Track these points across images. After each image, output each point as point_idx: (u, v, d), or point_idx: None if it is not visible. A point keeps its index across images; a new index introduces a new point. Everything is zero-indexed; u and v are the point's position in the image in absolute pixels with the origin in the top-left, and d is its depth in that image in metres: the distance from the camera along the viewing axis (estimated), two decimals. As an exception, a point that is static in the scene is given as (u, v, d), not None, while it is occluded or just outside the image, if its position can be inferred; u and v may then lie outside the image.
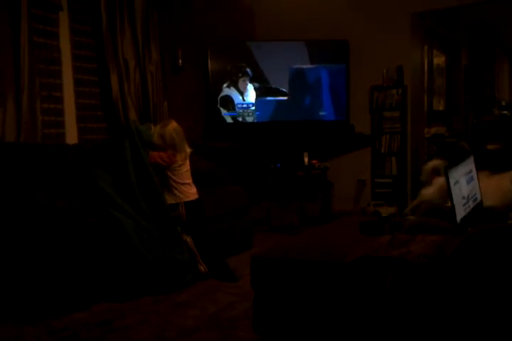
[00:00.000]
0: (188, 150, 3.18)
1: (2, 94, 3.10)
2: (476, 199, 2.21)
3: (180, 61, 4.48)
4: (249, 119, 4.70)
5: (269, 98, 4.72)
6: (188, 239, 3.02)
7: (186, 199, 3.06)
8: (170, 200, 3.02)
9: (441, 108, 6.75)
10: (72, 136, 3.70)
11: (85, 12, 3.78)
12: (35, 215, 2.47)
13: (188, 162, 3.15)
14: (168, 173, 3.04)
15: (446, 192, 2.17)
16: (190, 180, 3.14)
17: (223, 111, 4.66)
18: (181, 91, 4.55)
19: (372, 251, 1.77)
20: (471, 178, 2.18)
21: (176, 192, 3.04)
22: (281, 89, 4.72)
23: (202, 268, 2.98)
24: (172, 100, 4.35)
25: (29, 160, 3.02)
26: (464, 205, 1.98)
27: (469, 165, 2.21)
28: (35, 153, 3.12)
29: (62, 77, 3.62)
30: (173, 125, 3.12)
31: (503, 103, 7.24)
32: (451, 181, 1.85)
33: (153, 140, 3.06)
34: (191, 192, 3.10)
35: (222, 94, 4.64)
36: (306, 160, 4.70)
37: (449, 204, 1.89)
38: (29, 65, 3.23)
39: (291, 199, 4.69)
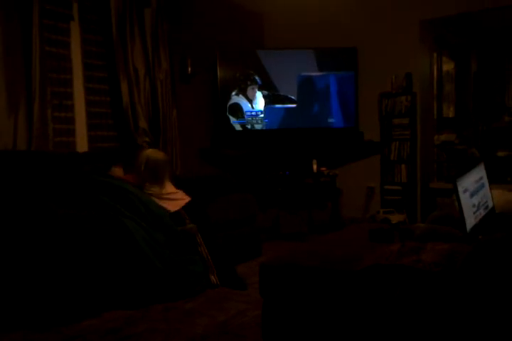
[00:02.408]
0: (168, 184, 3.24)
1: (14, 103, 3.14)
2: (487, 206, 2.19)
3: (189, 69, 4.51)
4: (258, 127, 4.71)
5: (277, 105, 4.74)
6: (204, 251, 3.02)
7: (175, 209, 3.09)
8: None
9: (450, 115, 6.71)
10: (82, 144, 3.73)
11: (96, 22, 3.83)
12: (46, 223, 2.49)
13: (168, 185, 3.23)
14: (148, 192, 3.11)
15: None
16: (173, 190, 3.21)
17: (232, 119, 4.68)
18: (190, 99, 4.58)
19: (382, 259, 1.76)
20: (482, 185, 2.17)
21: (164, 204, 3.08)
22: (289, 96, 4.74)
23: (213, 278, 2.97)
24: (181, 108, 4.38)
25: (40, 168, 3.05)
26: (474, 213, 1.96)
27: (480, 172, 2.19)
28: (47, 161, 3.15)
29: (73, 85, 3.67)
30: (159, 155, 3.27)
31: (514, 109, 7.18)
32: (460, 189, 1.84)
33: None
34: (179, 198, 3.15)
35: (231, 101, 4.67)
36: (314, 167, 4.69)
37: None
38: (40, 73, 3.27)
39: (300, 207, 4.68)
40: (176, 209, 3.09)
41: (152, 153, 3.28)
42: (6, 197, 2.63)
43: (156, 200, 3.07)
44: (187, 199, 3.19)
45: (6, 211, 2.49)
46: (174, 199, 3.16)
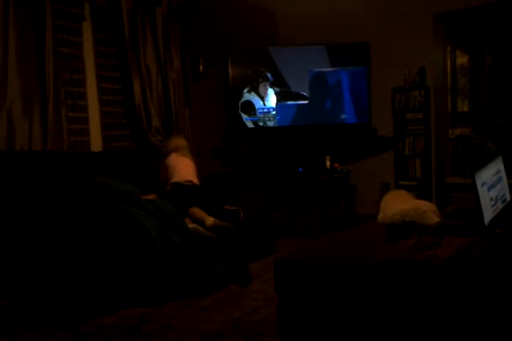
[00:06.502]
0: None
1: (29, 104, 3.18)
2: (505, 200, 2.16)
3: (201, 67, 4.52)
4: (270, 124, 4.70)
5: (289, 102, 4.72)
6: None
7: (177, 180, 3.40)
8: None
9: (465, 109, 6.63)
10: (96, 144, 3.76)
11: (108, 22, 3.85)
12: (61, 222, 2.51)
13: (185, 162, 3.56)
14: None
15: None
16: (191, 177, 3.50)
17: (244, 116, 4.67)
18: (203, 98, 4.58)
19: (398, 255, 1.74)
20: (500, 179, 2.13)
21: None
22: (301, 93, 4.72)
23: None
24: (193, 106, 4.39)
25: (55, 168, 3.08)
26: (492, 207, 1.94)
27: (497, 165, 2.16)
28: (62, 161, 3.19)
29: (86, 85, 3.70)
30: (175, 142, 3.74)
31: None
32: (478, 183, 1.81)
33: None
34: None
35: (243, 99, 4.66)
36: (328, 163, 4.67)
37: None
38: (54, 74, 3.31)
39: (313, 204, 4.67)
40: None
41: (166, 144, 3.75)
42: (23, 196, 2.66)
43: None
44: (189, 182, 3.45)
45: (23, 210, 2.53)
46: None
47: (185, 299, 2.68)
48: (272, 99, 4.69)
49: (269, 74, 4.66)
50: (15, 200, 2.62)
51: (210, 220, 3.14)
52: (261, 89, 4.67)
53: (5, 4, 3.06)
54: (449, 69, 5.63)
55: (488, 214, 1.86)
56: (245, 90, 4.65)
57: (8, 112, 3.07)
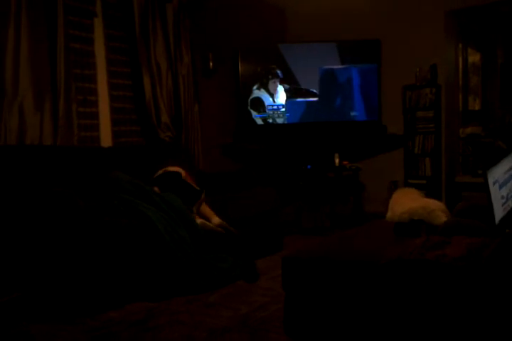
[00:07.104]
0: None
1: (40, 98, 3.20)
2: (515, 199, 2.14)
3: (211, 64, 4.52)
4: (280, 121, 4.70)
5: (299, 99, 4.71)
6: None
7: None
8: None
9: (476, 107, 6.58)
10: (106, 139, 3.78)
11: (119, 18, 3.86)
12: (70, 216, 2.53)
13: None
14: None
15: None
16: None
17: (254, 113, 4.67)
18: (212, 94, 4.59)
19: (406, 253, 1.74)
20: (511, 177, 2.11)
21: None
22: (311, 90, 4.70)
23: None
24: (203, 102, 4.40)
25: (65, 163, 3.10)
26: (502, 205, 1.92)
27: (510, 163, 2.14)
28: (72, 155, 3.21)
29: (97, 81, 3.71)
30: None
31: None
32: (490, 181, 1.80)
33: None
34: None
35: (253, 96, 4.66)
36: (337, 161, 4.66)
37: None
38: (65, 69, 3.32)
39: (322, 201, 4.66)
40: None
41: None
42: (33, 190, 2.68)
43: None
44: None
45: (32, 204, 2.55)
46: None
47: (192, 294, 2.69)
48: (281, 96, 4.68)
49: (278, 71, 4.66)
50: (24, 194, 2.65)
51: (216, 220, 3.13)
52: (270, 86, 4.66)
53: (17, 0, 3.07)
54: (460, 67, 5.58)
55: (498, 213, 1.84)
56: (255, 87, 4.65)
57: (19, 107, 3.09)
